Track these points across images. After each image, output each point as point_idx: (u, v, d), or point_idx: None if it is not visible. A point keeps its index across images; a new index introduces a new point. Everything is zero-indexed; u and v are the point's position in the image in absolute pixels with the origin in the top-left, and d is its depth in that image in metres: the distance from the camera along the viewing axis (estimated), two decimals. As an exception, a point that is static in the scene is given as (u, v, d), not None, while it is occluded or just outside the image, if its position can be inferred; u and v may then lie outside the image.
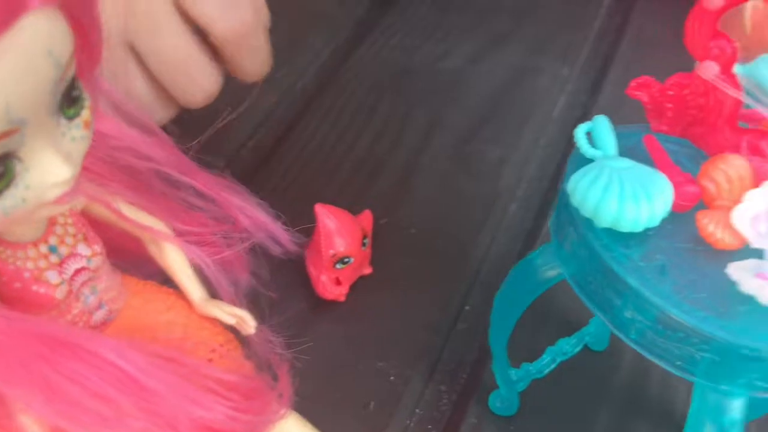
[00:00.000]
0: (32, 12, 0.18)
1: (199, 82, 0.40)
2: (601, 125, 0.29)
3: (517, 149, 0.49)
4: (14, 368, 0.20)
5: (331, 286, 0.39)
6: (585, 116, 0.51)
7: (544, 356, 0.38)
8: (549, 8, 0.58)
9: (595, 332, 0.39)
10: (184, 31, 0.39)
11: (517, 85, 0.53)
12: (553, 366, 0.38)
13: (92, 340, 0.21)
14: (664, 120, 0.29)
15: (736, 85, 0.27)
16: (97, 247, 0.25)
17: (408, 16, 0.58)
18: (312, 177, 0.47)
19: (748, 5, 0.40)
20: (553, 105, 0.52)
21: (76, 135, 0.21)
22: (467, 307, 0.41)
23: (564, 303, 0.41)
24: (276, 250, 0.31)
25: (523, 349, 0.38)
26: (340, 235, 0.39)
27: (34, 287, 0.23)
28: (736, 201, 0.26)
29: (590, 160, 0.29)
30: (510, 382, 0.36)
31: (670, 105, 0.29)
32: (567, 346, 0.39)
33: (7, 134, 0.19)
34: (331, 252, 0.39)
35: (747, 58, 0.34)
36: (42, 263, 0.23)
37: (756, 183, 0.27)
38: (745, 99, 0.29)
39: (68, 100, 0.21)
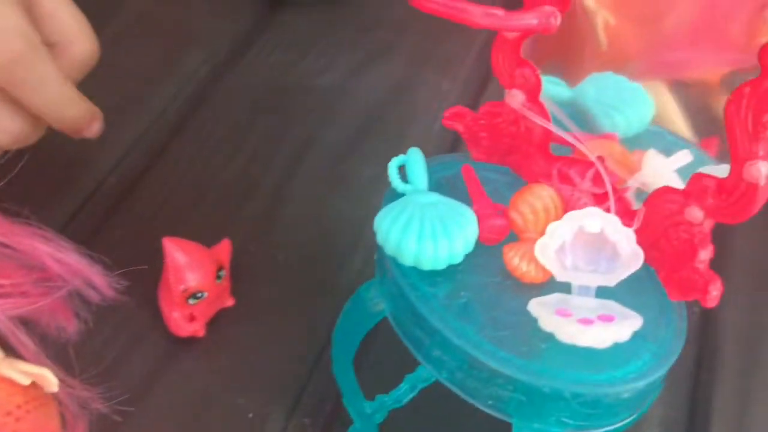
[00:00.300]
0: None
1: None
2: (414, 158, 0.28)
3: (394, 166, 0.48)
4: None
5: (183, 322, 0.38)
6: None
7: (402, 385, 0.37)
8: (430, 21, 0.56)
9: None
10: None
11: (397, 99, 0.52)
12: (412, 394, 0.37)
13: None
14: (481, 149, 0.29)
15: (543, 113, 0.27)
16: None
17: (287, 31, 0.57)
18: (179, 205, 0.45)
19: (599, 21, 0.39)
20: (433, 119, 0.51)
21: None
22: (332, 337, 0.41)
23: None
24: (94, 297, 0.30)
25: (384, 378, 0.37)
26: (190, 270, 0.38)
27: None
28: (542, 233, 0.26)
29: (403, 195, 0.28)
30: (364, 415, 0.36)
31: (484, 134, 0.28)
32: (427, 373, 0.38)
33: None
34: (182, 287, 0.38)
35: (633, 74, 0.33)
36: None
37: (566, 213, 0.26)
38: (566, 125, 0.28)
39: None
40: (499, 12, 0.22)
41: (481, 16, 0.22)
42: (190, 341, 0.40)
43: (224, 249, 0.41)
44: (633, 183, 0.27)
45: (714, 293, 0.23)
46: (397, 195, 0.28)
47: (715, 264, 0.45)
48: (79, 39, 0.40)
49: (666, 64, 0.33)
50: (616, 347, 0.24)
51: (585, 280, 0.25)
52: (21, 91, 0.36)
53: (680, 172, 0.29)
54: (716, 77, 0.32)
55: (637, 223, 0.25)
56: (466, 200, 0.28)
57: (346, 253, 0.45)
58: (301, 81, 0.54)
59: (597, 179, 0.26)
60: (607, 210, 0.26)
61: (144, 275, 0.41)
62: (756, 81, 0.21)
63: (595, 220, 0.24)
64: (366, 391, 0.37)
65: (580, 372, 0.24)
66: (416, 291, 0.26)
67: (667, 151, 0.30)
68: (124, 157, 0.48)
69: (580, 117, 0.31)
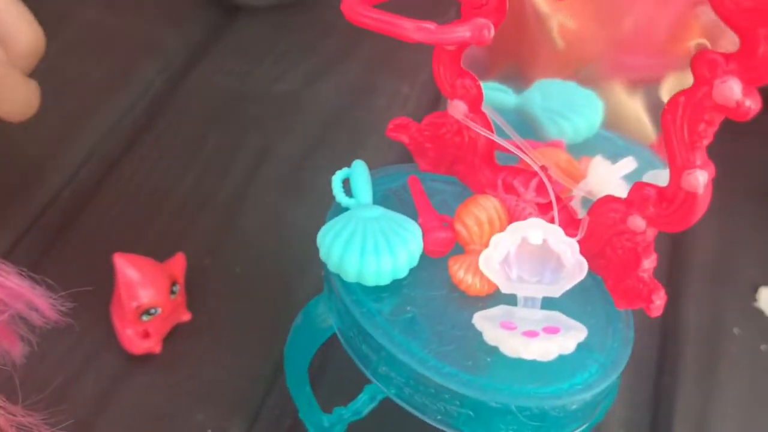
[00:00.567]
0: None
1: None
2: (358, 171, 0.28)
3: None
4: None
5: (137, 339, 0.37)
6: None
7: (360, 396, 0.37)
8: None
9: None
10: None
11: (355, 106, 0.52)
12: (372, 405, 0.37)
13: None
14: (428, 160, 0.28)
15: (485, 122, 0.26)
16: None
17: (243, 39, 0.56)
18: (133, 219, 0.45)
19: (554, 23, 0.39)
20: (392, 124, 0.51)
21: None
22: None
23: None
24: (37, 320, 0.29)
25: (345, 389, 0.37)
26: (142, 286, 0.37)
27: None
28: (487, 245, 0.25)
29: (347, 209, 0.27)
30: (322, 429, 0.35)
31: (429, 145, 0.28)
32: (385, 383, 0.38)
33: None
34: (134, 304, 0.37)
35: (565, 76, 0.33)
36: None
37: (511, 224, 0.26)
38: (510, 134, 0.28)
39: None
40: (432, 26, 0.22)
41: (414, 31, 0.22)
42: (146, 358, 0.40)
43: (178, 263, 0.40)
44: (578, 192, 0.27)
45: (657, 302, 0.23)
46: (341, 209, 0.27)
47: (675, 265, 0.46)
48: (26, 34, 0.41)
49: (625, 66, 0.33)
50: (563, 359, 0.24)
51: (530, 292, 0.25)
52: None
53: (630, 177, 0.29)
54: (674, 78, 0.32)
55: (581, 233, 0.25)
56: (413, 212, 0.28)
57: (305, 265, 0.45)
58: (258, 89, 0.53)
59: (541, 189, 0.26)
60: (551, 220, 0.25)
61: (97, 293, 0.40)
62: (690, 90, 0.21)
63: (537, 231, 0.24)
64: (326, 404, 0.37)
65: (526, 385, 0.24)
66: (361, 307, 0.25)
67: (618, 157, 0.30)
68: (77, 171, 0.47)
69: (527, 124, 0.31)
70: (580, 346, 0.24)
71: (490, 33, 0.22)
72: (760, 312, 0.44)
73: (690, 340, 0.43)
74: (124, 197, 0.47)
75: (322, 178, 0.49)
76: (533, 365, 0.24)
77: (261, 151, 0.50)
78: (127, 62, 0.54)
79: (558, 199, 0.26)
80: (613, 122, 0.32)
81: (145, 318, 0.38)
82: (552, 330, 0.24)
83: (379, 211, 0.26)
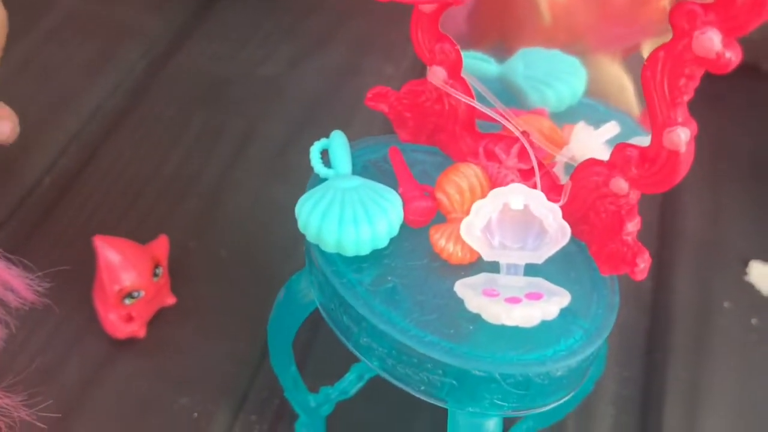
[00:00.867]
0: None
1: None
2: (337, 142, 0.27)
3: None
4: None
5: (120, 323, 0.37)
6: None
7: (348, 375, 0.36)
8: (371, 6, 0.56)
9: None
10: None
11: (339, 87, 0.51)
12: (360, 384, 0.37)
13: None
14: (408, 130, 0.28)
15: (466, 89, 0.26)
16: None
17: (226, 21, 0.56)
18: (117, 203, 0.44)
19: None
20: (377, 104, 0.51)
21: None
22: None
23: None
24: (13, 301, 0.29)
25: (333, 369, 0.37)
26: (124, 269, 0.36)
27: None
28: (468, 213, 0.25)
29: (325, 180, 0.27)
30: (309, 409, 0.35)
31: (408, 114, 0.27)
32: (372, 362, 0.38)
33: None
34: (116, 287, 0.36)
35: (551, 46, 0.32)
36: None
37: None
38: (492, 101, 0.28)
39: None
40: (406, -17, 0.21)
41: (387, -11, 0.21)
42: (130, 342, 0.39)
43: (161, 246, 0.40)
44: (561, 157, 0.26)
45: (642, 265, 0.23)
46: (320, 180, 0.27)
47: (666, 240, 0.46)
48: None
49: (609, 35, 0.33)
50: (547, 325, 0.23)
51: (512, 259, 0.24)
52: None
53: (613, 143, 0.29)
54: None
55: (564, 198, 0.25)
56: (394, 183, 0.27)
57: (289, 246, 0.44)
58: (241, 72, 0.53)
59: (523, 155, 0.25)
60: (534, 186, 0.25)
61: (79, 277, 0.40)
62: (669, 44, 0.20)
63: (518, 196, 0.24)
64: (313, 384, 0.36)
65: (509, 352, 0.23)
66: (341, 278, 0.25)
67: (601, 124, 0.29)
68: (59, 156, 0.47)
69: (510, 93, 0.30)
70: (564, 312, 0.24)
71: (465, -9, 0.21)
72: (750, 286, 0.44)
73: (680, 314, 0.43)
74: (107, 182, 0.46)
75: (306, 160, 0.49)
76: (516, 332, 0.23)
77: (245, 133, 0.49)
78: (109, 47, 0.54)
79: (540, 164, 0.25)
80: (597, 90, 0.32)
81: (127, 301, 0.37)
82: (535, 296, 0.23)
83: (358, 181, 0.25)
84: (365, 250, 0.24)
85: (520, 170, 0.26)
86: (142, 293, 0.37)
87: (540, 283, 0.24)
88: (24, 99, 0.51)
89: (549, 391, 0.24)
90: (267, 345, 0.38)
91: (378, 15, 0.56)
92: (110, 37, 0.54)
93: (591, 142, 0.26)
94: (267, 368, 0.38)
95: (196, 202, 0.45)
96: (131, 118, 0.49)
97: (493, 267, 0.25)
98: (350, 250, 0.24)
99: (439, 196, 0.26)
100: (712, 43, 0.19)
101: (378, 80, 0.55)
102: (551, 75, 0.30)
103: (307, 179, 0.47)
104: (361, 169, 0.28)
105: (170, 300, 0.40)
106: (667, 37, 0.21)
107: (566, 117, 0.30)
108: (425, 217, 0.25)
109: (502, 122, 0.25)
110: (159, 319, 0.40)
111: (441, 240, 0.25)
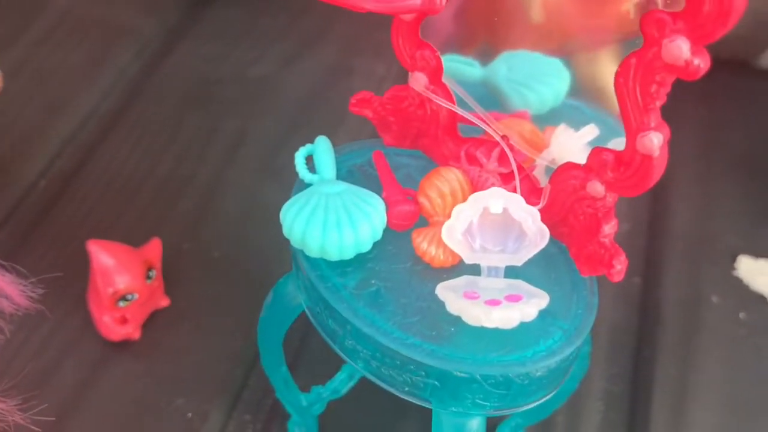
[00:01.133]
0: None
1: None
2: (321, 147, 0.27)
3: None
4: None
5: (115, 326, 0.37)
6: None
7: (338, 374, 0.37)
8: (362, 4, 0.56)
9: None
10: None
11: (331, 87, 0.52)
12: (351, 383, 0.37)
13: None
14: (392, 134, 0.28)
15: (447, 94, 0.26)
16: None
17: (218, 22, 0.56)
18: (111, 206, 0.45)
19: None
20: (369, 104, 0.51)
21: None
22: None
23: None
24: (7, 307, 0.29)
25: (325, 369, 0.37)
26: (118, 272, 0.37)
27: None
28: (450, 216, 0.25)
29: (310, 185, 0.27)
30: (301, 408, 0.35)
31: (392, 119, 0.28)
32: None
33: None
34: (110, 290, 0.37)
35: (546, 49, 0.33)
36: None
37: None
38: (473, 105, 0.28)
39: None
40: (382, -6, 0.21)
41: (366, 0, 0.21)
42: (124, 345, 0.40)
43: (154, 248, 0.40)
44: (541, 161, 0.27)
45: (618, 267, 0.23)
46: (305, 186, 0.27)
47: (654, 235, 0.46)
48: None
49: (589, 34, 0.33)
50: (526, 327, 0.24)
51: (493, 261, 0.25)
52: None
53: (595, 145, 0.29)
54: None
55: (543, 201, 0.25)
56: (378, 187, 0.27)
57: (283, 247, 0.44)
58: (234, 72, 0.53)
59: (503, 159, 0.26)
60: (514, 189, 0.25)
61: (74, 280, 0.41)
62: (641, 51, 0.21)
63: (498, 200, 0.24)
64: (305, 383, 0.37)
65: (489, 354, 0.23)
66: (326, 282, 0.25)
67: (584, 125, 0.30)
68: (54, 159, 0.47)
69: (493, 96, 0.31)
70: (544, 314, 0.24)
71: (442, 1, 0.22)
72: (739, 280, 0.44)
73: (669, 310, 0.43)
74: (101, 184, 0.47)
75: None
76: (497, 334, 0.24)
77: (238, 134, 0.50)
78: (102, 49, 0.54)
79: (520, 168, 0.26)
80: (579, 91, 0.32)
81: (121, 304, 0.38)
82: (514, 298, 0.24)
83: (342, 186, 0.26)
84: (349, 255, 0.25)
85: (500, 174, 0.26)
86: (136, 296, 0.38)
87: (519, 285, 0.24)
88: (18, 102, 0.52)
89: (530, 391, 0.25)
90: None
91: (369, 16, 0.56)
92: (103, 38, 0.54)
93: (571, 144, 0.27)
94: (260, 368, 0.39)
95: (189, 204, 0.45)
96: (125, 120, 0.50)
97: (475, 269, 0.26)
98: (334, 255, 0.25)
99: (422, 200, 0.26)
100: (681, 50, 0.19)
101: (369, 80, 0.55)
102: (533, 77, 0.31)
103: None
104: (346, 173, 0.28)
105: (164, 302, 0.40)
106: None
107: (549, 119, 0.31)
108: (408, 221, 0.26)
109: (483, 127, 0.26)
110: (153, 321, 0.40)
111: (423, 243, 0.25)
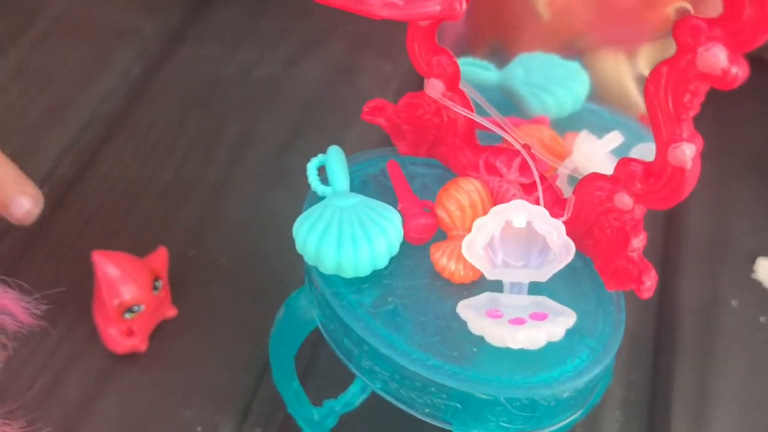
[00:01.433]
0: None
1: None
2: (333, 157, 0.26)
3: (338, 156, 0.47)
4: None
5: (121, 338, 0.36)
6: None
7: (351, 387, 0.36)
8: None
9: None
10: None
11: (337, 87, 0.50)
12: (364, 396, 0.36)
13: None
14: (407, 143, 0.27)
15: (464, 101, 0.25)
16: None
17: (220, 22, 0.55)
18: (114, 213, 0.43)
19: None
20: (376, 104, 0.50)
21: None
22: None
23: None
24: (10, 324, 0.28)
25: (337, 381, 0.36)
26: (123, 283, 0.36)
27: None
28: (469, 230, 0.24)
29: (323, 198, 0.26)
30: (313, 422, 0.34)
31: (407, 127, 0.27)
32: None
33: None
34: (116, 302, 0.36)
35: (551, 48, 0.32)
36: None
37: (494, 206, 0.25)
38: (491, 111, 0.27)
39: None
40: (399, 1, 0.20)
41: (380, 7, 0.20)
42: (131, 357, 0.39)
43: (160, 257, 0.39)
44: (564, 169, 0.26)
45: (648, 283, 0.22)
46: (317, 198, 0.26)
47: (670, 238, 0.45)
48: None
49: (609, 36, 0.32)
50: (552, 346, 0.23)
51: (516, 277, 0.24)
52: None
53: (618, 151, 0.28)
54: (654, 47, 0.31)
55: (567, 213, 0.24)
56: (393, 198, 0.26)
57: (293, 252, 0.43)
58: (237, 73, 0.52)
59: (524, 169, 0.25)
60: (536, 201, 0.24)
61: (78, 292, 0.40)
62: (673, 59, 0.20)
63: (521, 213, 0.23)
64: (317, 396, 0.36)
65: (514, 375, 0.23)
66: (341, 300, 0.24)
67: (605, 131, 0.29)
68: (54, 166, 0.46)
69: (510, 101, 0.30)
70: (570, 331, 0.23)
71: (462, 6, 0.21)
72: (758, 283, 0.43)
73: (687, 315, 0.42)
74: (104, 191, 0.46)
75: (306, 162, 0.49)
76: (521, 353, 0.23)
77: (243, 137, 0.49)
78: (103, 51, 0.53)
79: (542, 178, 0.25)
80: (599, 94, 0.31)
81: (128, 316, 0.37)
82: (539, 316, 0.23)
83: (357, 198, 0.25)
84: (365, 272, 0.24)
85: (521, 184, 0.25)
86: (143, 307, 0.37)
87: (544, 302, 0.23)
88: (18, 108, 0.51)
89: (556, 412, 0.24)
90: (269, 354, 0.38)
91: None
92: (103, 40, 0.53)
93: (594, 152, 0.26)
94: (271, 378, 0.38)
95: (194, 209, 0.44)
96: (127, 124, 0.49)
97: (497, 285, 0.25)
98: (349, 272, 0.24)
99: (440, 212, 0.25)
100: (718, 59, 0.18)
101: (377, 79, 0.54)
102: (551, 80, 0.30)
103: (306, 183, 0.47)
104: (359, 184, 0.27)
105: (171, 312, 0.39)
106: (670, 42, 0.21)
107: (569, 124, 0.30)
108: (426, 235, 0.25)
109: (503, 135, 0.25)
110: (160, 332, 0.39)
111: (443, 259, 0.24)
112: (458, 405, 0.23)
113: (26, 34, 0.53)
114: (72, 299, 0.39)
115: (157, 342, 0.39)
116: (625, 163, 0.22)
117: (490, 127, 0.24)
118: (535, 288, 0.24)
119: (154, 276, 0.38)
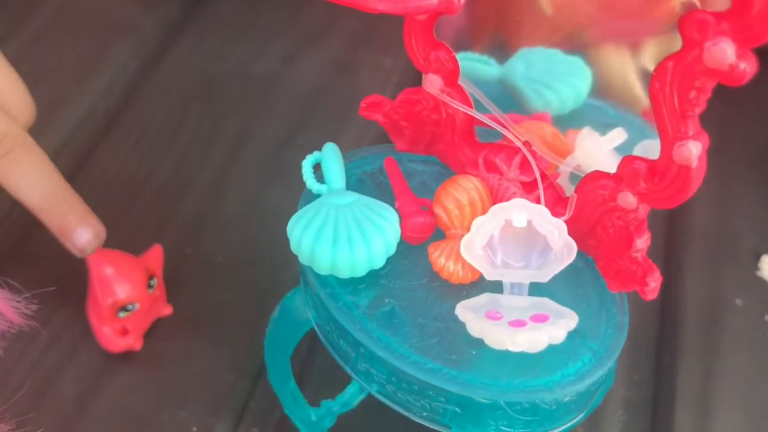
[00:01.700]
0: None
1: None
2: (329, 155, 0.26)
3: (337, 153, 0.46)
4: None
5: (115, 337, 0.36)
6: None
7: (349, 387, 0.35)
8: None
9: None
10: None
11: (337, 82, 0.50)
12: (362, 396, 0.36)
13: None
14: (404, 139, 0.27)
15: (463, 97, 0.25)
16: None
17: (218, 17, 0.54)
18: (110, 210, 0.42)
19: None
20: (376, 99, 0.49)
21: None
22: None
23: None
24: (0, 324, 0.28)
25: (334, 381, 0.36)
26: (117, 281, 0.35)
27: None
28: (468, 229, 0.24)
29: (318, 196, 0.26)
30: (310, 423, 0.34)
31: (405, 123, 0.26)
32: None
33: None
34: (110, 300, 0.35)
35: (553, 42, 0.31)
36: None
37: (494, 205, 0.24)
38: (491, 108, 0.26)
39: None
40: (396, -6, 0.20)
41: (377, 1, 0.20)
42: (126, 356, 0.38)
43: (155, 255, 0.39)
44: (565, 167, 0.25)
45: (652, 285, 0.22)
46: (313, 196, 0.25)
47: (673, 235, 0.44)
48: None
49: (612, 30, 0.31)
50: (553, 348, 0.22)
51: (516, 278, 0.23)
52: None
53: (621, 149, 0.27)
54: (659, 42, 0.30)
55: (569, 212, 0.23)
56: (390, 196, 0.26)
57: (288, 250, 0.43)
58: (236, 69, 0.51)
59: (525, 166, 0.24)
60: (537, 199, 0.24)
61: (71, 290, 0.39)
62: (679, 55, 0.19)
63: (521, 212, 0.22)
64: (315, 397, 0.35)
65: (515, 378, 0.22)
66: (336, 301, 0.24)
67: (608, 127, 0.28)
68: (51, 161, 0.46)
69: (511, 97, 0.29)
70: (572, 333, 0.23)
71: (460, 0, 0.20)
72: (763, 282, 0.42)
73: (690, 313, 0.41)
74: (100, 187, 0.45)
75: (303, 158, 0.48)
76: (522, 356, 0.22)
77: (241, 133, 0.48)
78: (100, 46, 0.52)
79: (543, 176, 0.24)
80: (602, 90, 0.30)
81: (122, 314, 0.36)
82: (540, 318, 0.22)
83: (353, 197, 0.24)
84: (361, 272, 0.23)
85: (522, 182, 0.24)
86: (137, 305, 0.36)
87: (545, 303, 0.23)
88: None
89: (557, 416, 0.23)
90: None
91: (374, 7, 0.54)
92: (100, 35, 0.52)
93: (597, 149, 0.25)
94: (267, 378, 0.38)
95: (191, 206, 0.44)
96: (124, 120, 0.48)
97: (496, 285, 0.24)
98: (345, 272, 0.23)
99: (438, 211, 0.24)
100: (725, 54, 0.18)
101: (376, 74, 0.53)
102: (553, 76, 0.29)
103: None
104: (356, 182, 0.27)
105: (166, 310, 0.39)
106: (676, 37, 0.20)
107: (571, 121, 0.29)
108: (424, 234, 0.24)
109: (503, 131, 0.24)
110: (155, 331, 0.38)
111: (441, 258, 0.24)
112: (457, 409, 0.23)
113: (24, 28, 0.52)
114: (65, 298, 0.39)
115: (151, 341, 0.39)
116: (628, 161, 0.22)
117: (490, 124, 0.24)
118: (535, 289, 0.24)
119: (148, 274, 0.37)
